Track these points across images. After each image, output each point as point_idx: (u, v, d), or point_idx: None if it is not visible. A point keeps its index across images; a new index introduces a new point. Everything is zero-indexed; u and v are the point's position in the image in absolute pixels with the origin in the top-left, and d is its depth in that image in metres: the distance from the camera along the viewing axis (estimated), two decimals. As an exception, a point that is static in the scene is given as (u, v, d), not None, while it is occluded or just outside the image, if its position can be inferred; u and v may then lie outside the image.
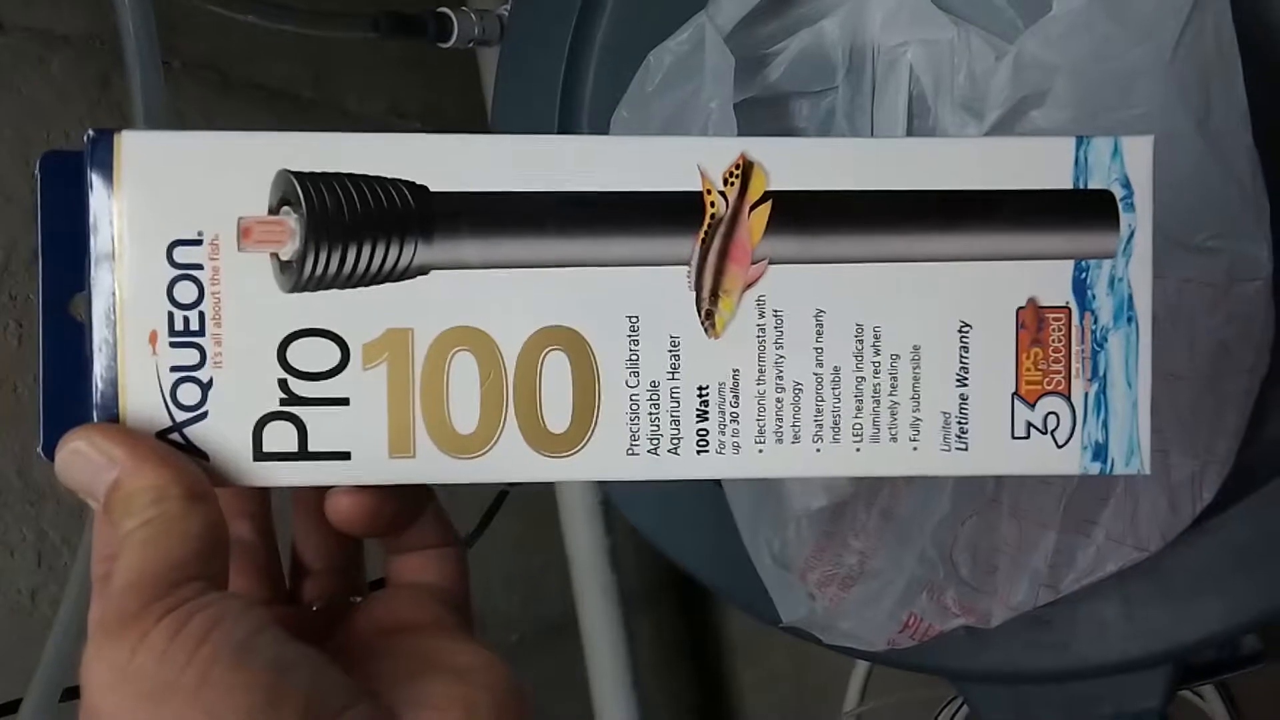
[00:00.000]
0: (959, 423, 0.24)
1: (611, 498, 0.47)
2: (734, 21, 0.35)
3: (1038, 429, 0.24)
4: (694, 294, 0.23)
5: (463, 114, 0.75)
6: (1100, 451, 0.24)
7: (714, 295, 0.23)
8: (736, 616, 0.91)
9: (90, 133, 0.23)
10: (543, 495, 0.73)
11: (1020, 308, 0.24)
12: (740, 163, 0.23)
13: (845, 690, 0.68)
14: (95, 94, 0.56)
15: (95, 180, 0.23)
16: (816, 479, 0.36)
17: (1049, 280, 0.24)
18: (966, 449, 0.24)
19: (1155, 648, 0.37)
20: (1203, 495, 0.33)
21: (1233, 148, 0.31)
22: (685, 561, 0.45)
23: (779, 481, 0.37)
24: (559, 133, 0.44)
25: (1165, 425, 0.33)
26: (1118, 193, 0.24)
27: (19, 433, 0.53)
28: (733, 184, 0.23)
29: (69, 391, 0.23)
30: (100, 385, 0.23)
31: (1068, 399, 0.24)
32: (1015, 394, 0.24)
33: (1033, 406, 0.24)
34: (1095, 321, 0.24)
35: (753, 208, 0.23)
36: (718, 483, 0.40)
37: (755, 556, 0.39)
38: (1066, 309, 0.24)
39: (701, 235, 0.23)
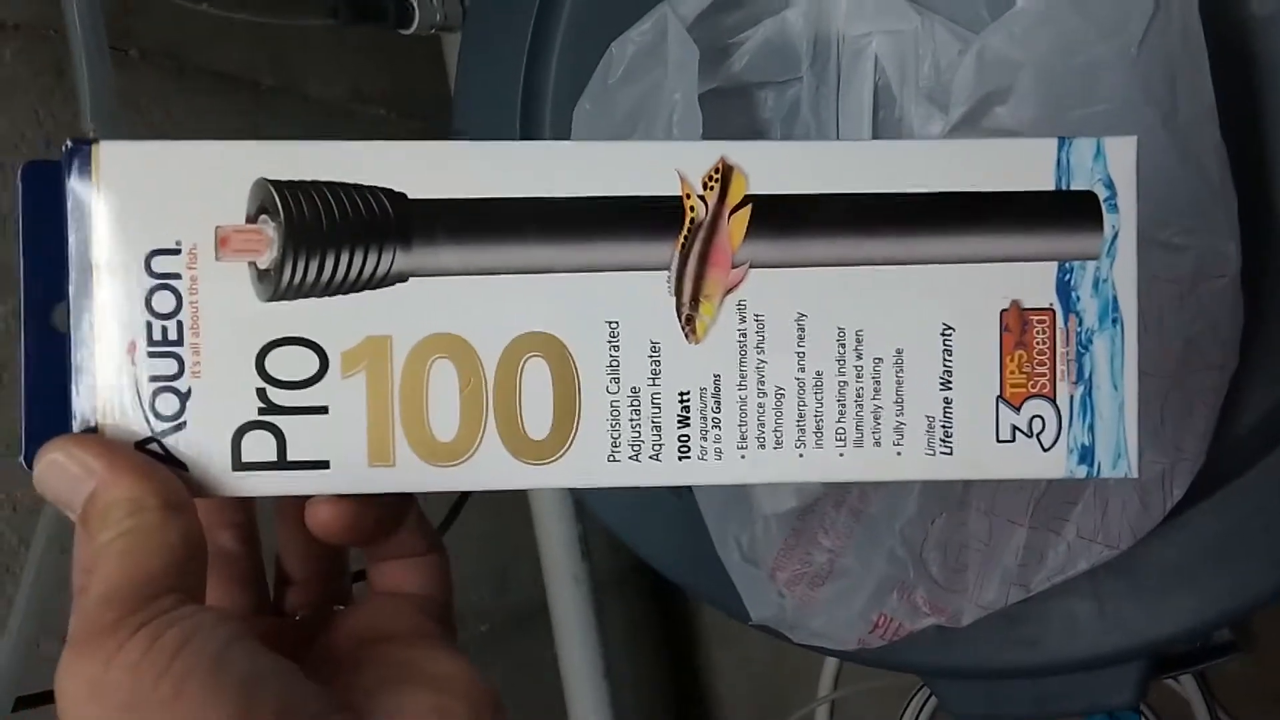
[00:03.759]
0: (943, 426, 0.24)
1: (583, 495, 0.47)
2: (697, 11, 0.35)
3: (1023, 432, 0.24)
4: (674, 299, 0.23)
5: (427, 99, 0.74)
6: (1087, 454, 0.24)
7: (694, 300, 0.23)
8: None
9: (68, 143, 0.23)
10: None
11: (1004, 310, 0.24)
12: (720, 167, 0.23)
13: (819, 676, 0.68)
14: (49, 83, 0.55)
15: (73, 190, 0.23)
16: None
17: (1032, 282, 0.24)
18: (951, 453, 0.24)
19: (1127, 643, 0.37)
20: (1173, 493, 0.33)
21: (1200, 143, 0.31)
22: (655, 559, 0.45)
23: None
24: (522, 122, 0.44)
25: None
26: (1101, 194, 0.24)
27: None
28: (712, 188, 0.23)
29: (51, 402, 0.23)
30: (79, 395, 0.23)
31: (1053, 402, 0.24)
32: (1000, 397, 0.24)
33: (1018, 410, 0.24)
34: (1080, 323, 0.24)
35: (732, 212, 0.23)
36: None
37: (724, 554, 0.39)
38: (1050, 311, 0.24)
39: (681, 240, 0.23)
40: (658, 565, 0.45)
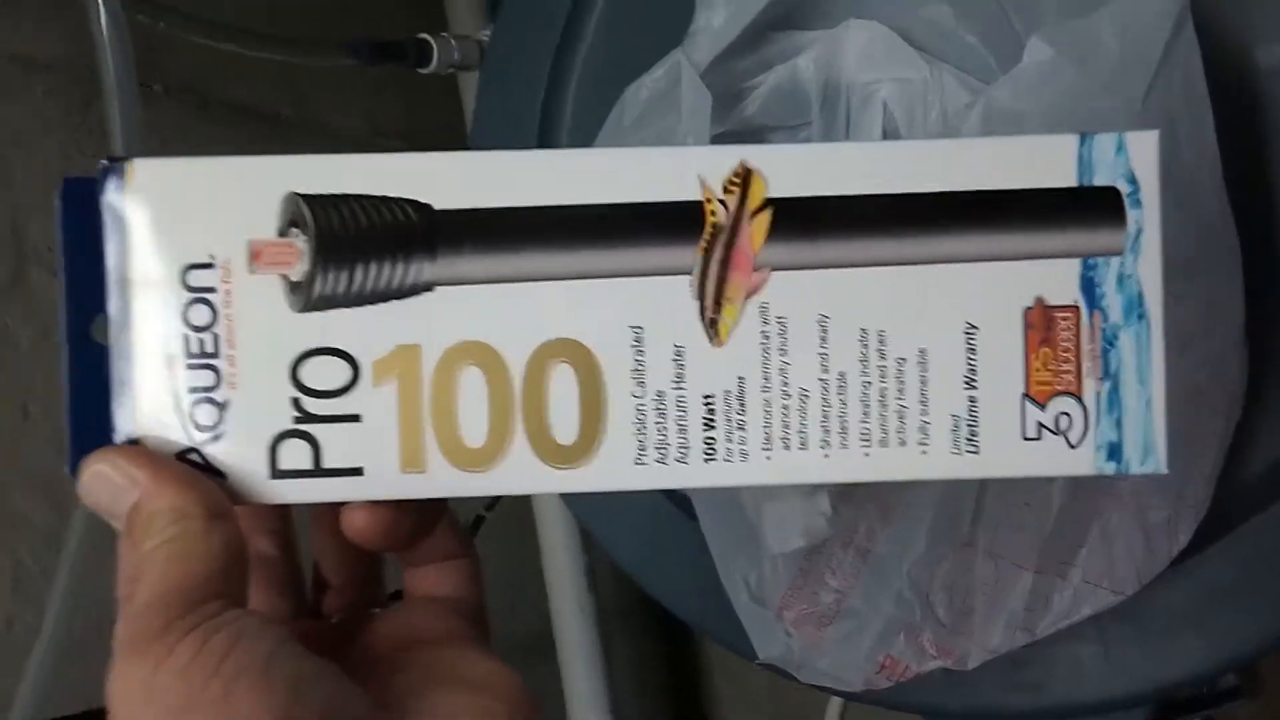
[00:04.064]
0: (969, 425, 0.24)
1: (591, 530, 0.48)
2: (710, 58, 0.36)
3: (1050, 429, 0.24)
4: (697, 303, 0.24)
5: (443, 132, 0.76)
6: (1115, 451, 0.24)
7: (717, 303, 0.24)
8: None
9: (104, 161, 0.23)
10: (519, 515, 0.73)
11: (1028, 308, 0.24)
12: (740, 171, 0.23)
13: (825, 713, 0.67)
14: (77, 118, 0.57)
15: (109, 208, 0.23)
16: (794, 520, 0.36)
17: (1056, 279, 0.24)
18: (977, 451, 0.24)
19: (1133, 688, 0.37)
20: (1179, 538, 0.33)
21: (1202, 195, 0.31)
22: (663, 596, 0.45)
23: (756, 520, 0.37)
24: None
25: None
26: (1123, 189, 0.23)
27: None
28: (733, 192, 0.23)
29: (93, 413, 0.24)
30: (120, 407, 0.23)
31: (1079, 399, 0.24)
32: (1025, 395, 0.24)
33: (1043, 407, 0.24)
34: (1105, 319, 0.24)
35: (753, 215, 0.23)
36: (694, 516, 0.40)
37: (731, 592, 0.39)
38: (1075, 308, 0.24)
39: (703, 244, 0.23)
40: (666, 602, 0.45)
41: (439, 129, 0.77)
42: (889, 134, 0.36)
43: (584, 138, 0.40)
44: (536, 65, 0.44)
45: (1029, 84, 0.31)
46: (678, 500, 0.43)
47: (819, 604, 0.37)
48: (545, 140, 0.45)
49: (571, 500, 0.49)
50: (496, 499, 0.66)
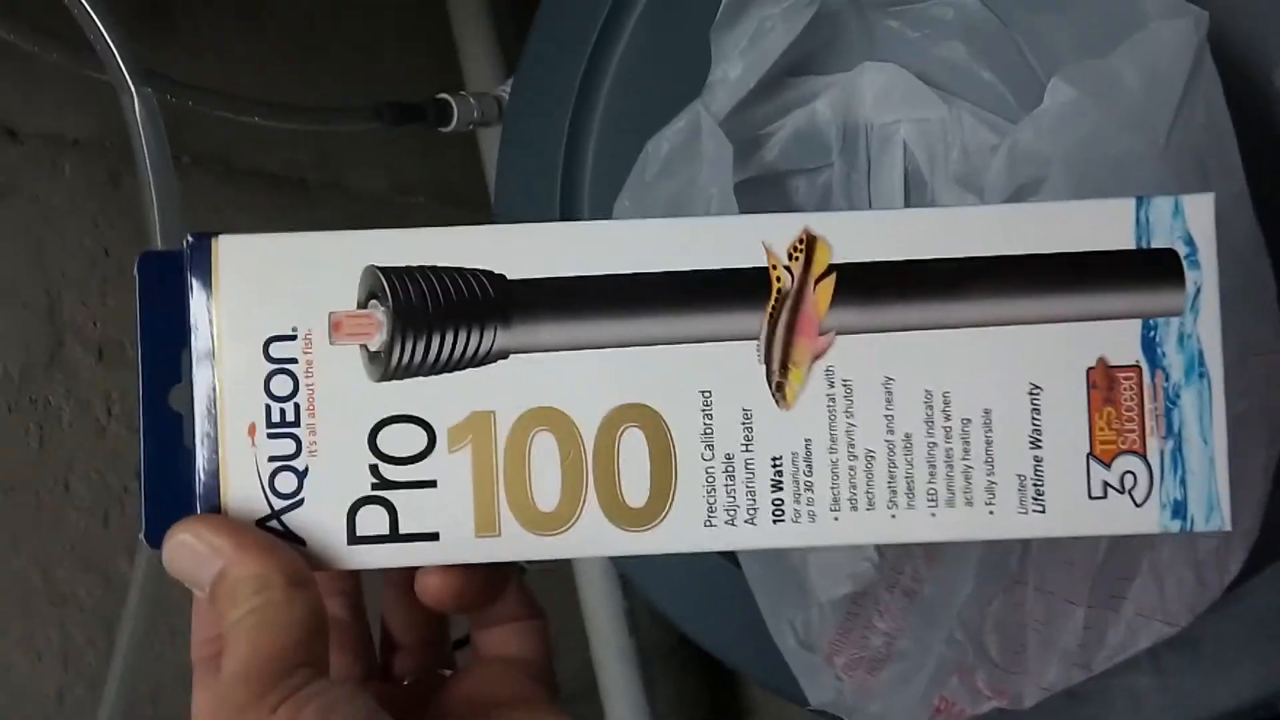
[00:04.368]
0: (1034, 485, 0.24)
1: (633, 580, 0.48)
2: (728, 109, 0.36)
3: (1115, 488, 0.24)
4: (764, 367, 0.24)
5: (463, 187, 0.77)
6: (1179, 509, 0.24)
7: (784, 367, 0.24)
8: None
9: (189, 238, 0.24)
10: (560, 564, 0.73)
11: (1090, 368, 0.24)
12: (804, 237, 0.24)
13: None
14: (106, 194, 0.59)
15: (195, 283, 0.24)
16: (840, 566, 0.36)
17: (1118, 339, 0.24)
18: (1044, 511, 0.24)
19: (1191, 717, 0.36)
20: (1230, 568, 0.33)
21: (1234, 228, 0.32)
22: (710, 644, 0.45)
23: (801, 566, 0.37)
24: (561, 215, 0.46)
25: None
26: (1181, 250, 0.24)
27: (42, 536, 0.54)
28: (797, 258, 0.24)
29: (169, 480, 0.24)
30: (203, 477, 0.24)
31: (1143, 457, 0.24)
32: (1090, 454, 0.24)
33: (1108, 466, 0.24)
34: (1167, 379, 0.24)
35: (818, 280, 0.24)
36: (736, 562, 0.40)
37: (779, 638, 0.39)
38: (1137, 368, 0.24)
39: (769, 310, 0.24)
40: (712, 649, 0.45)
41: (459, 183, 0.78)
42: (910, 173, 0.37)
43: (607, 189, 0.40)
44: (556, 120, 0.45)
45: (1052, 125, 0.31)
46: None
47: (869, 648, 0.37)
48: (568, 193, 0.45)
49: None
50: None
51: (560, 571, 0.73)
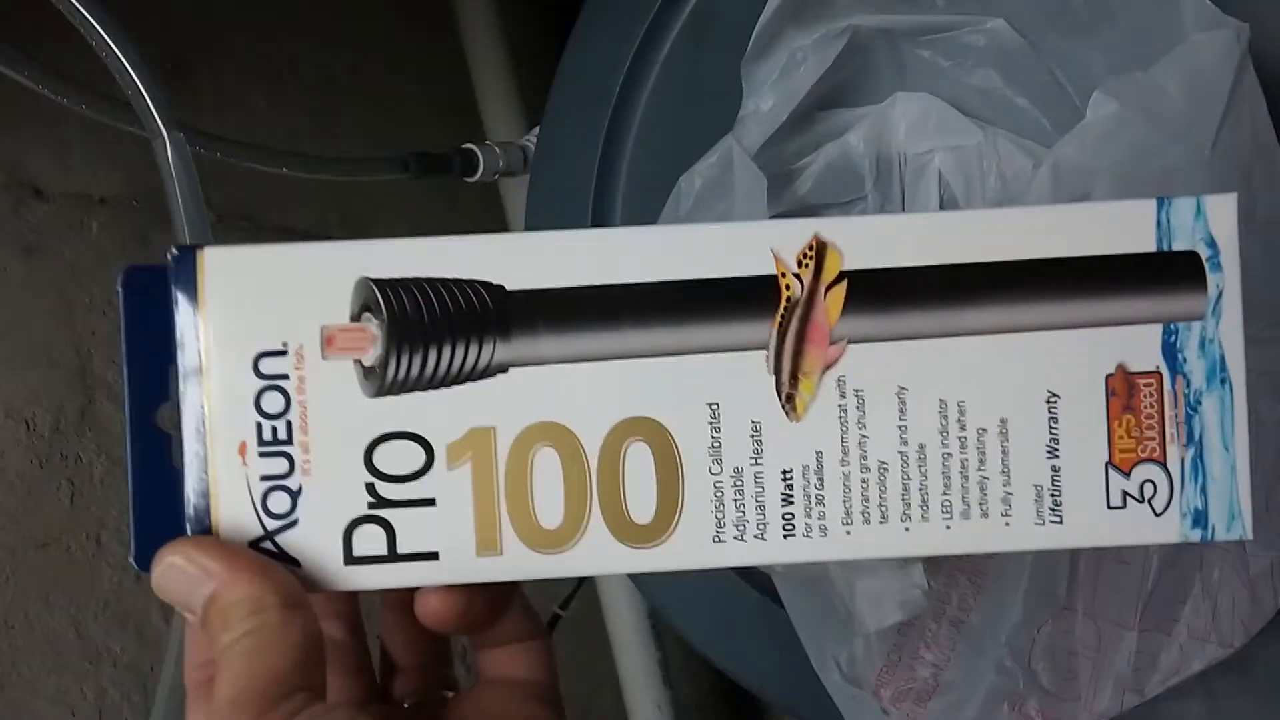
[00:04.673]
0: (1052, 495, 0.23)
1: (669, 617, 0.47)
2: (760, 142, 0.36)
3: (1134, 498, 0.23)
4: (773, 378, 0.23)
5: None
6: (1200, 518, 0.23)
7: (793, 378, 0.23)
8: (792, 724, 0.89)
9: (173, 250, 0.23)
10: (591, 615, 0.73)
11: (1109, 374, 0.23)
12: (814, 244, 0.23)
13: None
14: (134, 252, 0.59)
15: (180, 297, 0.23)
16: (890, 595, 0.36)
17: (1137, 345, 0.23)
18: (1061, 521, 0.23)
19: None
20: None
21: None
22: (749, 682, 0.44)
23: (848, 596, 0.37)
24: None
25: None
26: (1203, 253, 0.23)
27: (75, 591, 0.54)
28: (807, 265, 0.23)
29: (158, 501, 0.24)
30: (192, 498, 0.23)
31: (1164, 465, 0.23)
32: (1109, 463, 0.23)
33: (1128, 475, 0.23)
34: (1188, 385, 0.23)
35: (828, 288, 0.23)
36: (777, 599, 0.40)
37: (823, 673, 0.38)
38: (1157, 374, 0.23)
39: (778, 318, 0.23)
40: (751, 687, 0.44)
41: (483, 233, 0.78)
42: (946, 203, 0.36)
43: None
44: (584, 166, 0.45)
45: (1095, 139, 0.31)
46: (755, 582, 0.43)
47: (916, 679, 0.37)
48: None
49: (647, 587, 0.49)
50: (571, 596, 0.66)
51: (593, 625, 0.73)
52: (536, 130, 0.51)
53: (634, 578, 0.51)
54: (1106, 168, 0.30)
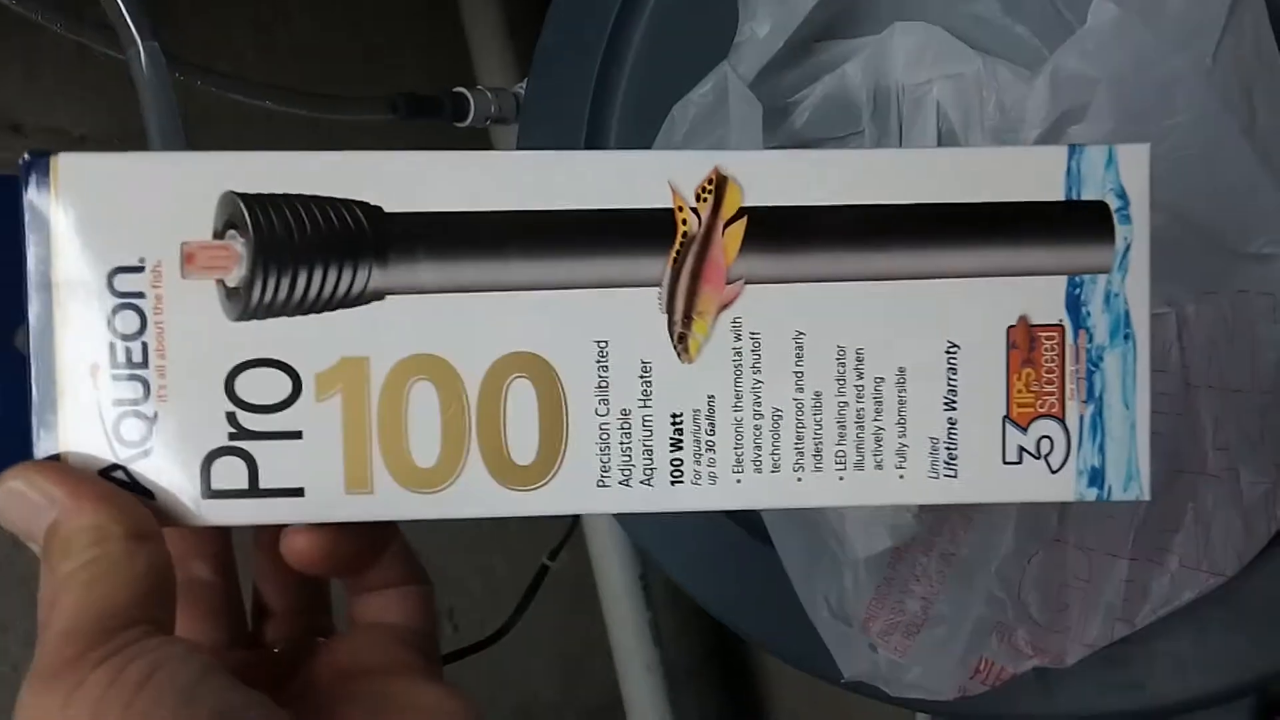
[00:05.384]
0: (947, 448, 0.23)
1: (654, 557, 0.46)
2: (756, 70, 0.35)
3: (1030, 453, 0.23)
4: (666, 317, 0.22)
5: None
6: (1097, 476, 0.23)
7: (687, 318, 0.22)
8: (784, 686, 0.89)
9: (26, 155, 0.22)
10: (583, 576, 0.73)
11: (1011, 326, 0.23)
12: (713, 177, 0.22)
13: None
14: None
15: (31, 204, 0.21)
16: (880, 520, 0.35)
17: (1041, 297, 0.23)
18: (955, 476, 0.23)
19: (1236, 679, 0.35)
20: (1278, 514, 0.32)
21: None
22: (733, 621, 0.44)
23: (839, 524, 0.36)
24: None
25: (1232, 443, 0.32)
26: (1113, 204, 0.22)
27: None
28: (705, 200, 0.22)
29: (14, 428, 0.22)
30: (39, 421, 0.21)
31: (1062, 422, 0.23)
32: (1006, 417, 0.23)
33: (1025, 430, 0.23)
34: (1090, 340, 0.23)
35: (727, 225, 0.22)
36: (766, 539, 0.39)
37: (811, 611, 0.37)
38: (1059, 327, 0.23)
39: (673, 255, 0.22)
40: (735, 626, 0.44)
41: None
42: (944, 134, 0.35)
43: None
44: (575, 109, 0.43)
45: (1096, 46, 0.30)
46: (743, 521, 0.42)
47: (905, 612, 0.36)
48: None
49: (632, 526, 0.48)
50: (560, 547, 0.65)
51: (583, 586, 0.72)
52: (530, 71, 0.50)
53: (619, 516, 0.50)
54: (1106, 76, 0.30)
